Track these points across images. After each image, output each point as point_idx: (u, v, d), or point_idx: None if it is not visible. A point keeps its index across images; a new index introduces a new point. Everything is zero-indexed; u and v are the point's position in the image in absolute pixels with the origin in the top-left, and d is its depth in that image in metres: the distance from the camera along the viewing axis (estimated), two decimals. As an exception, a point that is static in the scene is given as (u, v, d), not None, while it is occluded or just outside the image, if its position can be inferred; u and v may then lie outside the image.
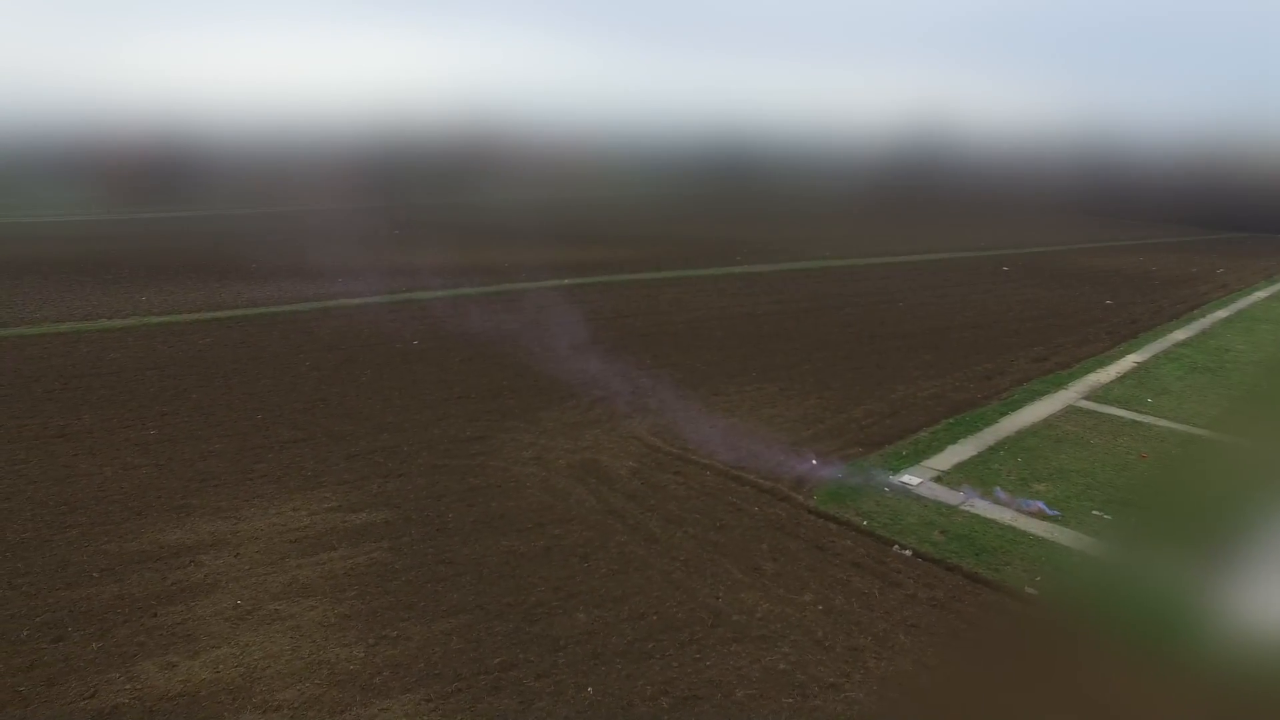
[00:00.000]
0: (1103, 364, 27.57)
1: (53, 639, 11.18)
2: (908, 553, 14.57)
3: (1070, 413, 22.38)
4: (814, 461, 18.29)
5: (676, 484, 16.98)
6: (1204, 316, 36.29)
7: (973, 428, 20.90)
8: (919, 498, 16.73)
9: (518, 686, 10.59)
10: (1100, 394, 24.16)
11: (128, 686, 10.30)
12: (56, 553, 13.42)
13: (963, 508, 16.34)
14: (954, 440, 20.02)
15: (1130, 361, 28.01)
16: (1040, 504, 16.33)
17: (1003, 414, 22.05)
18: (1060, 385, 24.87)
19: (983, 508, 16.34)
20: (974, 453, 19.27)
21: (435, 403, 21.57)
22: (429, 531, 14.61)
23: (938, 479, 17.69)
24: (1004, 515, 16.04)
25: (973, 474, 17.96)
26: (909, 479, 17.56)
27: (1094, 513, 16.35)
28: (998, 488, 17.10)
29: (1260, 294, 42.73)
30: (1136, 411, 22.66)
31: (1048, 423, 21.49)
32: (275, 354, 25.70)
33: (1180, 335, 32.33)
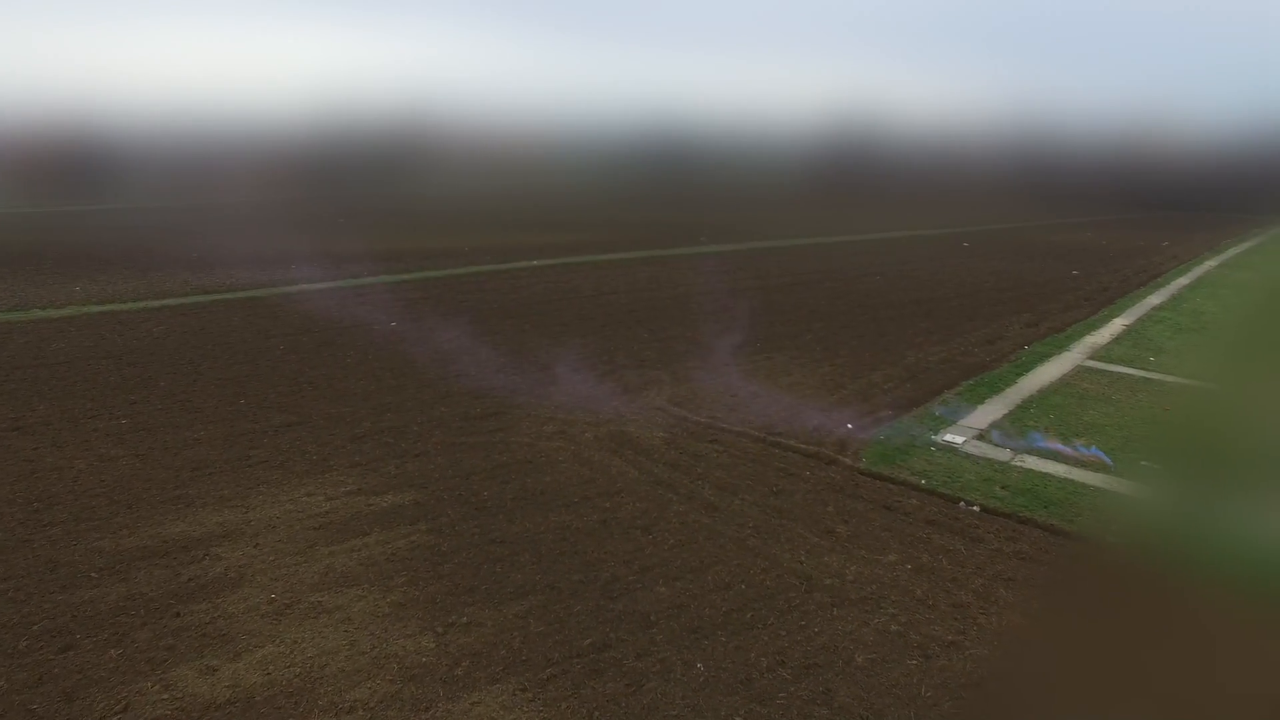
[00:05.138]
0: (1093, 327, 27.74)
1: (59, 648, 9.44)
2: (975, 509, 13.92)
3: (1083, 372, 22.27)
4: (849, 426, 17.54)
5: (716, 452, 15.96)
6: (1169, 284, 37.23)
7: (994, 388, 20.52)
8: (968, 455, 16.14)
9: (619, 667, 9.40)
10: (1103, 354, 24.19)
11: (165, 696, 8.69)
12: (40, 553, 11.54)
13: (1014, 463, 15.83)
14: (980, 401, 19.58)
15: (1118, 325, 28.29)
16: (1098, 451, 15.95)
17: (1018, 375, 21.77)
18: (1061, 347, 24.83)
19: (1034, 462, 15.87)
20: (1005, 411, 18.85)
21: (433, 381, 20.01)
22: (468, 511, 13.21)
23: (980, 437, 17.18)
24: (1058, 469, 15.58)
25: (1011, 431, 17.49)
26: (952, 438, 16.97)
27: (1142, 463, 16.05)
28: (1058, 440, 16.72)
29: (1210, 263, 44.29)
30: (1143, 369, 22.72)
31: (1065, 382, 21.29)
32: (242, 339, 23.61)
33: (1155, 300, 32.99)
